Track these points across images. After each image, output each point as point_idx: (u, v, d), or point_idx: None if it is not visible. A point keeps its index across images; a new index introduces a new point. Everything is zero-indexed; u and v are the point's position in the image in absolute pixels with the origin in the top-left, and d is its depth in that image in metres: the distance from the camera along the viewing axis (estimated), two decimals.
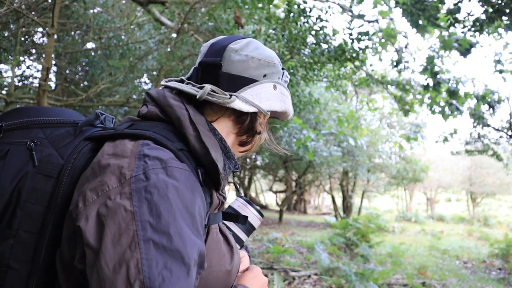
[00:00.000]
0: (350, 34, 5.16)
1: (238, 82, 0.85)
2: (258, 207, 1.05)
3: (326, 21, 4.83)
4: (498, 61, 7.17)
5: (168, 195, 0.65)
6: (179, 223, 0.63)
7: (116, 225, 0.62)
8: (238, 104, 0.83)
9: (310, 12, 4.71)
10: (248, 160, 11.53)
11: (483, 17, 4.96)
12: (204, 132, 0.80)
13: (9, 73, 6.02)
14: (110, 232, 0.62)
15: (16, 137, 0.78)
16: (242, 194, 1.06)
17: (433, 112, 7.61)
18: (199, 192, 0.72)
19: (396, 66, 7.22)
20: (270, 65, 0.90)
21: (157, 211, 0.63)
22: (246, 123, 0.89)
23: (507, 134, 9.34)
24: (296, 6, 4.67)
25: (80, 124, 0.83)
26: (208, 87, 0.83)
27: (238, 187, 1.07)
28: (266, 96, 0.88)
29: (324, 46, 5.03)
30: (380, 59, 11.22)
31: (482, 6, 4.94)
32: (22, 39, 4.81)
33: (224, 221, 0.96)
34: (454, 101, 7.16)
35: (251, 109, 0.85)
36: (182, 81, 0.91)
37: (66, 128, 0.82)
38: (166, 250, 0.60)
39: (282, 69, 0.96)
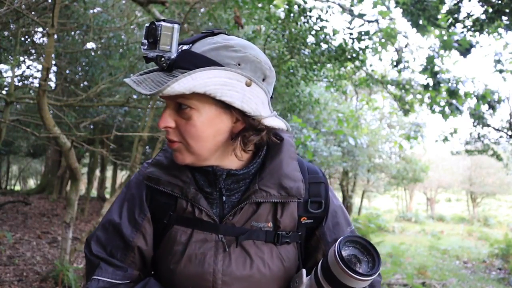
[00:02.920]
0: (350, 34, 5.16)
1: None
2: (357, 265, 0.77)
3: (326, 21, 4.83)
4: (498, 61, 7.16)
5: (124, 187, 1.02)
6: (117, 203, 0.99)
7: None
8: None
9: (310, 12, 4.71)
10: None
11: (483, 17, 4.96)
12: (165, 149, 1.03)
13: (9, 73, 6.03)
14: None
15: None
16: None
17: (433, 111, 7.60)
18: (139, 189, 0.98)
19: (396, 66, 7.22)
20: None
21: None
22: None
23: (507, 134, 9.34)
24: (296, 6, 4.67)
25: None
26: None
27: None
28: None
29: (324, 46, 5.03)
30: (380, 59, 11.24)
31: (482, 6, 4.94)
32: (22, 39, 4.81)
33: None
34: (454, 101, 7.15)
35: None
36: None
37: None
38: (106, 216, 0.99)
39: None
